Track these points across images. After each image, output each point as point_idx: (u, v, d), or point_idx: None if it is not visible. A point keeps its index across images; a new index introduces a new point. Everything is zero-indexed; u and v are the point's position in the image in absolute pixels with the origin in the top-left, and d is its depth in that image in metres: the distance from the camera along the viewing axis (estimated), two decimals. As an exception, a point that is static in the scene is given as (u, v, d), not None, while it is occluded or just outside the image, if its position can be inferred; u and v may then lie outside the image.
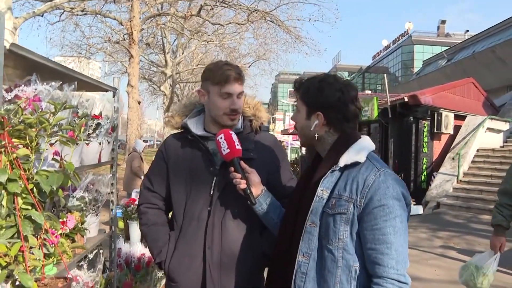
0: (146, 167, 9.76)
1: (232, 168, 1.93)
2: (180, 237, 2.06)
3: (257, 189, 1.96)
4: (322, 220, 1.66)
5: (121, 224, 5.26)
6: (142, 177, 8.81)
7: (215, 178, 2.05)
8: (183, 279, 2.02)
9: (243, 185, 1.91)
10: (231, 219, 2.04)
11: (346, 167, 1.67)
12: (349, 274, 1.60)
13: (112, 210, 2.97)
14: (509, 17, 29.24)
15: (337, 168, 1.67)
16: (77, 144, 1.78)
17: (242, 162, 1.96)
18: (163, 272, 2.13)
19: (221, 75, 2.01)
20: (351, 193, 1.62)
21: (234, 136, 1.94)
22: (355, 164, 1.66)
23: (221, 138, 1.93)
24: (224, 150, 1.92)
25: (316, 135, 1.77)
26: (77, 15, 17.33)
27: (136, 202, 6.78)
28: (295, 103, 1.88)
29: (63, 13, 17.33)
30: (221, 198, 2.03)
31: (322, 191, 1.67)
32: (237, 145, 1.92)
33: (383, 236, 1.56)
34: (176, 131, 2.25)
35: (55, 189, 1.54)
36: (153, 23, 19.44)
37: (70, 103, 1.94)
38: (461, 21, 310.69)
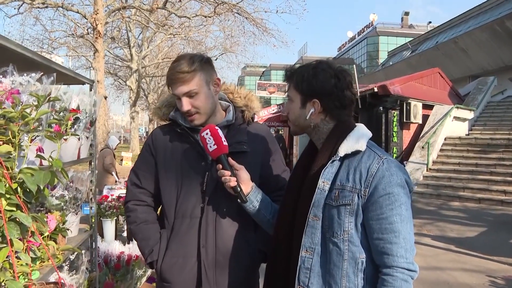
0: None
1: (220, 166, 1.83)
2: (172, 236, 1.96)
3: (247, 186, 1.87)
4: (324, 212, 1.60)
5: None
6: (114, 173, 8.66)
7: (207, 173, 1.95)
8: (177, 279, 1.93)
9: (233, 182, 1.82)
10: (225, 216, 1.95)
11: (346, 156, 1.61)
12: (356, 266, 1.55)
13: (91, 208, 2.83)
14: (468, 9, 30.03)
15: (337, 158, 1.61)
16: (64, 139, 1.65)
17: (230, 159, 1.86)
18: (155, 271, 2.02)
19: (167, 76, 1.93)
20: (354, 183, 1.56)
21: (220, 132, 1.84)
22: (355, 153, 1.61)
23: (206, 134, 1.82)
24: (210, 147, 1.81)
25: (312, 124, 1.70)
26: (38, 7, 16.69)
27: (109, 199, 6.68)
28: (286, 94, 1.79)
29: (21, 5, 16.67)
30: (214, 194, 1.93)
31: (323, 183, 1.60)
32: (224, 141, 1.82)
33: (390, 225, 1.51)
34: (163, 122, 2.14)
35: (42, 188, 1.42)
36: (118, 16, 18.97)
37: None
38: (423, 12, 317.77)
